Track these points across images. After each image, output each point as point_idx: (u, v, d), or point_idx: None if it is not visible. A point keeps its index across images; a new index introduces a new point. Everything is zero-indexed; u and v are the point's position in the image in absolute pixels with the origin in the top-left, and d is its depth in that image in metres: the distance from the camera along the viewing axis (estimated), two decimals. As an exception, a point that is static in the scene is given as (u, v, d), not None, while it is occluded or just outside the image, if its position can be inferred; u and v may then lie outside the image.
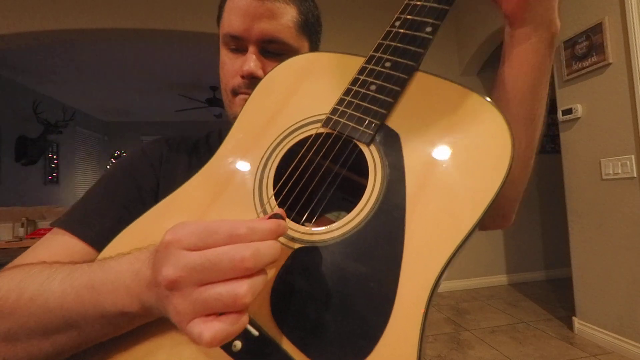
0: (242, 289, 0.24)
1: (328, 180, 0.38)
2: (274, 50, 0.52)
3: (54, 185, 5.21)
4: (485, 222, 0.46)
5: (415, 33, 0.39)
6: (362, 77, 0.40)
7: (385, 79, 0.38)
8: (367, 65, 0.40)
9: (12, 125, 4.35)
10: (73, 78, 4.54)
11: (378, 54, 0.40)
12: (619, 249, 1.85)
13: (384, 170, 0.34)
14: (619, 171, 1.82)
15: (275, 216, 0.29)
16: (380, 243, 0.31)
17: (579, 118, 2.04)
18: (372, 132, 0.36)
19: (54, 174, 5.17)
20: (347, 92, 0.40)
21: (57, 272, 0.33)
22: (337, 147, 0.38)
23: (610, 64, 1.84)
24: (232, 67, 0.53)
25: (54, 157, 5.17)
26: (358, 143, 0.37)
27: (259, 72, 0.50)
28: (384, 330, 0.28)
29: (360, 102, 0.38)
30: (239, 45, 0.53)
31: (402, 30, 0.40)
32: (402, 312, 0.29)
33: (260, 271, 0.26)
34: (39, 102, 4.55)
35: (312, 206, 0.37)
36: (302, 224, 0.36)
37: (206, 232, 0.26)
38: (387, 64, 0.39)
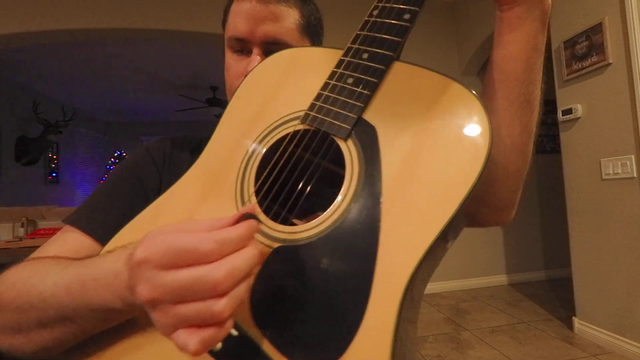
0: (218, 306, 0.24)
1: (309, 177, 0.38)
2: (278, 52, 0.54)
3: (54, 185, 5.21)
4: (485, 217, 0.45)
5: (393, 21, 0.38)
6: (339, 71, 0.39)
7: (362, 71, 0.38)
8: (344, 58, 0.39)
9: (12, 125, 4.35)
10: (73, 78, 4.54)
11: (356, 46, 0.39)
12: (619, 248, 1.85)
13: (360, 166, 0.34)
14: (619, 171, 1.82)
15: (245, 216, 0.28)
16: (356, 241, 0.31)
17: (579, 118, 2.04)
18: (348, 127, 0.35)
19: (54, 174, 5.18)
20: (324, 86, 0.39)
21: (55, 267, 0.35)
22: (314, 144, 0.38)
23: (610, 64, 1.84)
24: (237, 68, 0.55)
25: (54, 157, 5.17)
26: (335, 138, 0.36)
27: None
28: (358, 329, 0.28)
29: (338, 96, 0.37)
30: (243, 47, 0.55)
31: (379, 19, 0.39)
32: (376, 311, 0.28)
33: (241, 280, 0.26)
34: (39, 102, 4.55)
35: (292, 202, 0.37)
36: (291, 221, 0.36)
37: (174, 251, 0.25)
38: (365, 55, 0.38)
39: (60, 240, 0.45)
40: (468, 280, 3.09)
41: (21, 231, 2.21)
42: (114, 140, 6.63)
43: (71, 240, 0.45)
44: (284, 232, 0.34)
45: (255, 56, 0.53)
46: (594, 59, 1.90)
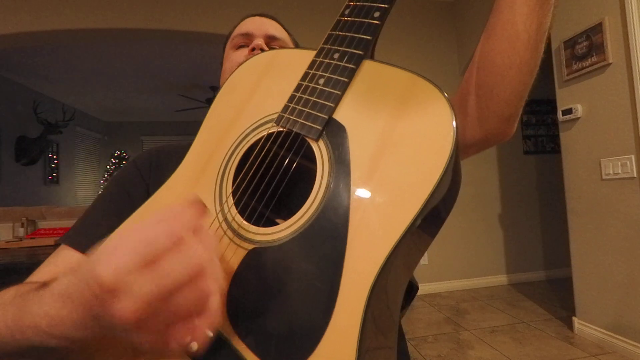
0: (210, 283, 0.24)
1: (282, 177, 0.38)
2: (277, 46, 0.63)
3: (54, 185, 5.21)
4: (492, 130, 0.46)
5: (363, 20, 0.39)
6: (311, 71, 0.39)
7: (332, 71, 0.38)
8: (317, 59, 0.40)
9: (12, 125, 4.35)
10: (73, 78, 4.54)
11: (327, 46, 0.40)
12: (619, 248, 1.85)
13: (330, 166, 0.34)
14: (619, 171, 1.82)
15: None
16: (325, 241, 0.31)
17: (579, 118, 2.04)
18: (319, 127, 0.36)
19: (54, 174, 5.18)
20: (297, 88, 0.40)
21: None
22: (288, 145, 0.38)
23: (610, 64, 1.84)
24: (242, 53, 0.61)
25: (54, 157, 5.17)
26: (307, 139, 0.36)
27: (266, 49, 0.60)
28: (326, 329, 0.28)
29: (309, 97, 0.38)
30: (247, 41, 0.62)
31: (350, 19, 0.40)
32: (343, 311, 0.29)
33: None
34: (39, 102, 4.55)
35: (265, 203, 0.38)
36: (275, 221, 0.36)
37: (147, 243, 0.22)
38: (336, 55, 0.39)
39: (53, 259, 0.47)
40: (468, 280, 3.08)
41: (21, 231, 2.21)
42: (114, 140, 6.63)
43: (62, 257, 0.46)
44: (257, 234, 0.34)
45: (259, 37, 0.61)
46: (594, 59, 1.90)
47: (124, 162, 6.36)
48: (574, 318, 2.13)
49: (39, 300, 0.28)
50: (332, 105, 0.36)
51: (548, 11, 0.41)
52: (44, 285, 0.30)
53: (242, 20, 0.66)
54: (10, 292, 0.35)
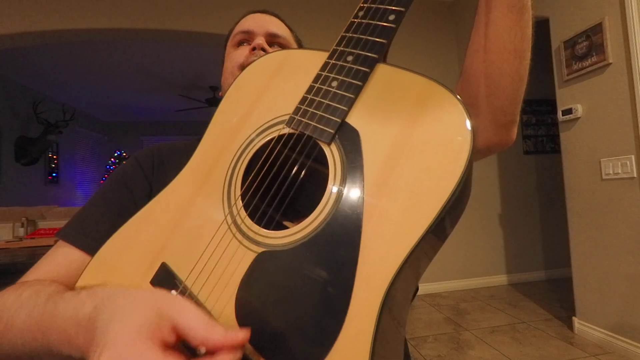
0: None
1: (293, 180, 0.38)
2: (279, 44, 0.63)
3: (54, 185, 5.21)
4: (492, 139, 0.47)
5: (378, 22, 0.38)
6: (324, 73, 0.39)
7: (346, 74, 0.37)
8: (329, 61, 0.39)
9: (12, 125, 4.35)
10: (73, 78, 4.54)
11: (340, 48, 0.39)
12: (619, 248, 1.85)
13: (343, 171, 0.34)
14: (619, 171, 1.82)
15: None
16: (337, 247, 0.31)
17: (579, 118, 2.04)
18: (332, 131, 0.35)
19: (54, 174, 5.17)
20: (309, 89, 0.39)
21: (23, 308, 0.34)
22: (299, 148, 0.37)
23: (610, 64, 1.84)
24: (243, 52, 0.60)
25: (54, 157, 5.17)
26: (319, 142, 0.36)
27: (268, 48, 0.59)
28: (337, 336, 0.28)
29: (322, 100, 0.37)
30: (248, 38, 0.62)
31: (364, 21, 0.39)
32: (356, 317, 0.28)
33: None
34: (39, 102, 4.55)
35: (276, 205, 0.37)
36: (282, 223, 0.36)
37: None
38: (349, 58, 0.38)
39: (52, 257, 0.46)
40: (468, 280, 3.08)
41: (21, 231, 2.20)
42: (114, 140, 6.63)
43: (61, 255, 0.45)
44: (267, 237, 0.34)
45: (260, 36, 0.60)
46: (594, 59, 1.90)
47: (123, 162, 6.34)
48: (574, 318, 2.13)
49: (74, 311, 0.30)
50: (345, 108, 0.36)
51: (529, 19, 0.43)
52: (79, 291, 0.31)
53: (244, 16, 0.65)
54: (28, 291, 0.35)
